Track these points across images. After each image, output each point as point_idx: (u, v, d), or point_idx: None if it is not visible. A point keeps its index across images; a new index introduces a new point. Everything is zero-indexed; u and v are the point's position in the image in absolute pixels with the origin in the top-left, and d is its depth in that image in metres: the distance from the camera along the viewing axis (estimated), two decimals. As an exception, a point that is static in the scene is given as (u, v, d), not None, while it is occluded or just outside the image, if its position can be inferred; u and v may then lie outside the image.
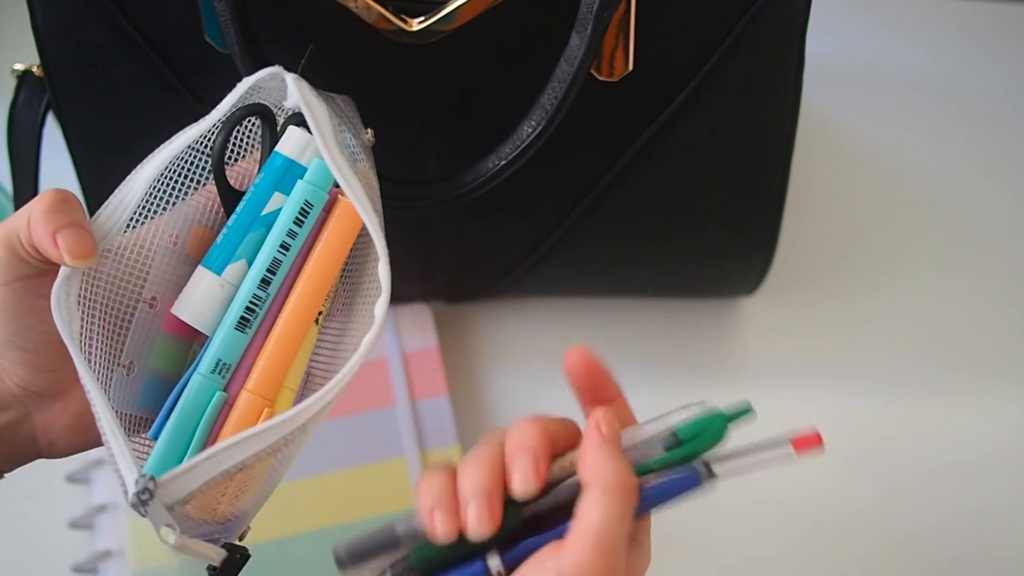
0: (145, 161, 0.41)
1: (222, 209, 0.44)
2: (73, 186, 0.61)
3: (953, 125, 0.80)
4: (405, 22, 0.50)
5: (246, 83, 0.42)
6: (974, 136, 0.79)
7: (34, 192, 0.62)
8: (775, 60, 0.55)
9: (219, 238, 0.42)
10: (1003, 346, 0.71)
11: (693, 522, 0.65)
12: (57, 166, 0.63)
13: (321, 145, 0.41)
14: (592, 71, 0.52)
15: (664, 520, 0.65)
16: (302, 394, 0.44)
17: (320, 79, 0.55)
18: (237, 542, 0.40)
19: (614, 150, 0.58)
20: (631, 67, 0.52)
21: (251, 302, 0.41)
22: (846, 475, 0.66)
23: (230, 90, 0.54)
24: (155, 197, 0.42)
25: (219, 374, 0.41)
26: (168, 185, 0.42)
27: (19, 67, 0.59)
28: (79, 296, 0.40)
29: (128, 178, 0.41)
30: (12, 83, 0.59)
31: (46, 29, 0.54)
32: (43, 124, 0.60)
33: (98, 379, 0.39)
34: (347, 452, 0.64)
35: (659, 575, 0.64)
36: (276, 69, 0.42)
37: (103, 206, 0.41)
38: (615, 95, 0.54)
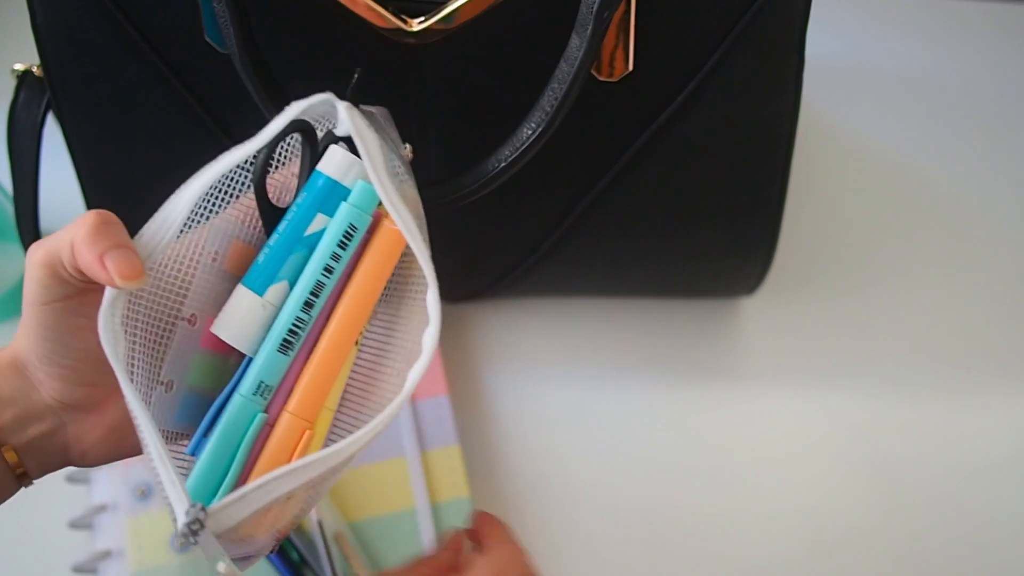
0: (189, 181, 0.41)
1: (261, 224, 0.44)
2: (73, 186, 0.61)
3: (953, 125, 0.80)
4: (405, 22, 0.50)
5: (296, 108, 0.41)
6: (974, 136, 0.79)
7: (34, 192, 0.62)
8: (775, 60, 0.55)
9: (260, 258, 0.42)
10: (1003, 345, 0.71)
11: (691, 522, 0.65)
12: (57, 166, 0.63)
13: (374, 177, 0.40)
14: (592, 71, 0.52)
15: (665, 520, 0.65)
16: (337, 412, 0.44)
17: (320, 79, 0.55)
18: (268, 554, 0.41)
19: (614, 150, 0.58)
20: (631, 67, 0.52)
21: (294, 325, 0.41)
22: (845, 474, 0.66)
23: (229, 92, 0.55)
24: (197, 215, 0.42)
25: (260, 395, 0.41)
26: (209, 203, 0.42)
27: (19, 67, 0.59)
28: (123, 317, 0.40)
29: (171, 199, 0.41)
30: (12, 83, 0.59)
31: (46, 29, 0.54)
32: (43, 124, 0.60)
33: (141, 394, 0.39)
34: (347, 452, 0.64)
35: (654, 572, 0.64)
36: (328, 96, 0.42)
37: (145, 226, 0.41)
38: (615, 95, 0.54)
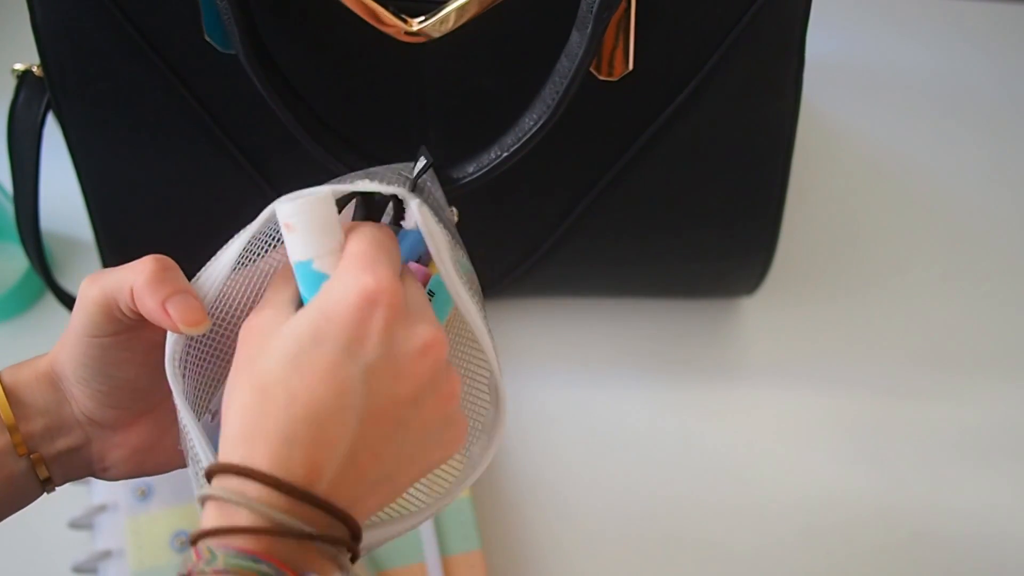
0: (241, 232, 0.42)
1: None
2: (73, 186, 0.61)
3: (953, 125, 0.80)
4: (405, 22, 0.50)
5: (366, 187, 0.41)
6: (974, 136, 0.79)
7: (34, 192, 0.62)
8: (775, 60, 0.55)
9: None
10: (1002, 345, 0.71)
11: (692, 522, 0.65)
12: (57, 166, 0.63)
13: (443, 271, 0.41)
14: (592, 70, 0.52)
15: (663, 519, 0.65)
16: None
17: (321, 79, 0.55)
18: None
19: (614, 150, 0.58)
20: (631, 67, 0.52)
21: None
22: (845, 474, 0.66)
23: (229, 91, 0.55)
24: (246, 258, 0.42)
25: None
26: (261, 246, 0.43)
27: (19, 67, 0.59)
28: (183, 355, 0.40)
29: (223, 248, 0.42)
30: (12, 83, 0.59)
31: (46, 29, 0.54)
32: (43, 124, 0.60)
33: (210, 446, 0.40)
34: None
35: (655, 572, 0.64)
36: (402, 191, 0.42)
37: (201, 271, 0.41)
38: (615, 95, 0.54)
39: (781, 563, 0.64)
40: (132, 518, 0.61)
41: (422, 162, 0.43)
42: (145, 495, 0.61)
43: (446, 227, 0.43)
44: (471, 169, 0.52)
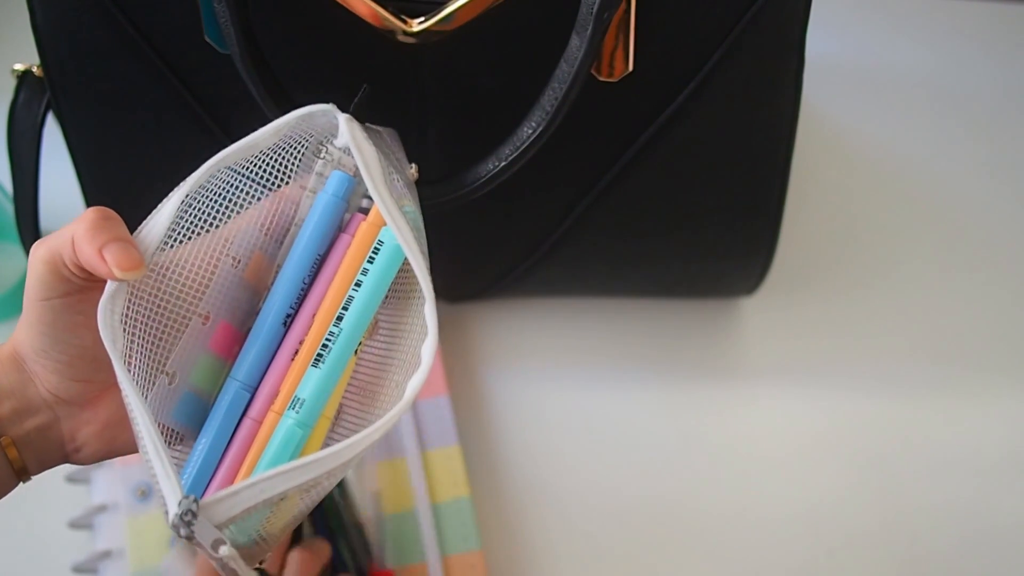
0: (177, 188, 0.42)
1: (275, 236, 0.44)
2: (73, 186, 0.61)
3: (953, 125, 0.80)
4: (405, 22, 0.50)
5: (298, 113, 0.42)
6: (974, 136, 0.79)
7: (34, 192, 0.62)
8: (775, 61, 0.55)
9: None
10: (1003, 344, 0.71)
11: (691, 522, 0.65)
12: (57, 166, 0.63)
13: (372, 188, 0.41)
14: (592, 71, 0.52)
15: (665, 521, 0.65)
16: (335, 421, 0.44)
17: (320, 79, 0.55)
18: (258, 565, 0.41)
19: (614, 150, 0.58)
20: (631, 68, 0.52)
21: (326, 339, 0.42)
22: (846, 474, 0.66)
23: (229, 92, 0.55)
24: (192, 217, 0.42)
25: (295, 410, 0.42)
26: (207, 203, 0.42)
27: (19, 67, 0.59)
28: (124, 309, 0.40)
29: (165, 199, 0.42)
30: (12, 83, 0.59)
31: (46, 29, 0.54)
32: (43, 124, 0.60)
33: (140, 385, 0.39)
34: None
35: (654, 573, 0.64)
36: (329, 107, 0.42)
37: (144, 223, 0.41)
38: (615, 95, 0.54)
39: (782, 563, 0.64)
40: (132, 518, 0.61)
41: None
42: (145, 495, 0.61)
43: (381, 148, 0.42)
44: (468, 180, 0.52)
